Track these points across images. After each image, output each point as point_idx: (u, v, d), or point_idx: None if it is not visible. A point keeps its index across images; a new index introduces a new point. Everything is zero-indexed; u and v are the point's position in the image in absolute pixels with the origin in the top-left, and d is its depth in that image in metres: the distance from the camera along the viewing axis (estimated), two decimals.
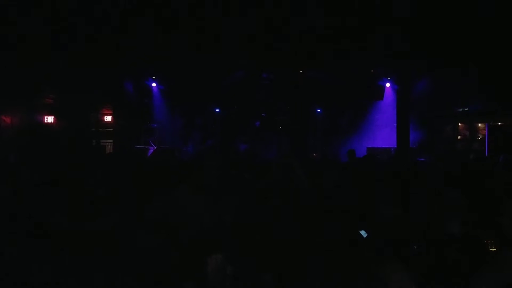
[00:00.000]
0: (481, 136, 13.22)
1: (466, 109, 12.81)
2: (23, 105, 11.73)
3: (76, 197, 3.37)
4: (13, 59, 9.56)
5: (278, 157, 8.60)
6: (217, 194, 3.18)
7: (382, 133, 13.72)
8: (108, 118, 13.85)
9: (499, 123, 12.57)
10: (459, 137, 13.76)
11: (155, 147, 12.43)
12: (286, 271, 2.41)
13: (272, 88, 14.56)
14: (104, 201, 3.32)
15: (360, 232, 2.91)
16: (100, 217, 3.12)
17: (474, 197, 3.45)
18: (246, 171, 5.03)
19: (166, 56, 11.14)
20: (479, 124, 13.44)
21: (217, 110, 14.83)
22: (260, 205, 3.24)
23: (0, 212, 3.11)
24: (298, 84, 13.98)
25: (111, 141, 13.69)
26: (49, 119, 12.68)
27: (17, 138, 11.00)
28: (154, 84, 13.61)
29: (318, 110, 14.89)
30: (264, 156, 10.82)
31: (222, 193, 3.21)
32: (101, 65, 10.77)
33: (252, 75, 14.08)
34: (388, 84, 13.65)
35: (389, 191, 3.94)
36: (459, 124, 13.77)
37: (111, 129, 13.60)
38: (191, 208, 2.92)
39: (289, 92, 14.38)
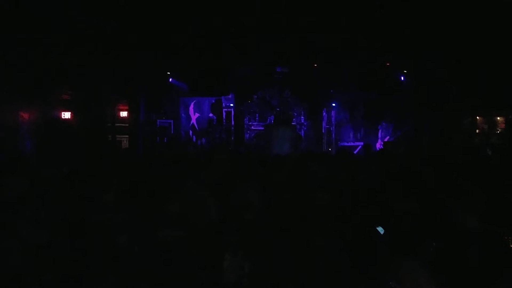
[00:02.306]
0: (499, 130, 13.00)
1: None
2: (41, 101, 11.88)
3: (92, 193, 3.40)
4: (30, 55, 9.68)
5: (293, 152, 8.58)
6: (230, 188, 3.17)
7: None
8: (123, 114, 13.99)
9: None
10: (477, 130, 13.54)
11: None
12: (298, 271, 2.39)
13: (286, 82, 14.54)
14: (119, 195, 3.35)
15: (377, 228, 2.88)
16: (116, 212, 3.14)
17: (493, 192, 3.38)
18: (259, 165, 5.03)
19: (180, 51, 11.18)
20: (498, 118, 13.21)
21: (231, 104, 14.83)
22: (273, 201, 3.22)
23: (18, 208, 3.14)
24: (312, 78, 13.95)
25: (127, 136, 13.83)
26: (66, 114, 12.84)
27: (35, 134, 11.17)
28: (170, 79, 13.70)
29: (333, 104, 14.79)
30: (277, 151, 10.80)
31: (235, 187, 3.20)
32: (117, 62, 10.87)
33: (266, 69, 14.08)
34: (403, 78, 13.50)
35: (406, 186, 3.89)
36: (478, 117, 13.55)
37: (127, 125, 13.74)
38: (205, 202, 2.91)
39: (302, 86, 14.35)
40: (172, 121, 14.05)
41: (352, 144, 13.85)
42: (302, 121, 14.70)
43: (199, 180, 3.64)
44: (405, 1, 8.20)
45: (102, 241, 2.64)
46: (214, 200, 2.97)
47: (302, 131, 14.31)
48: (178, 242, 2.60)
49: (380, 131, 13.80)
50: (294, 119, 14.38)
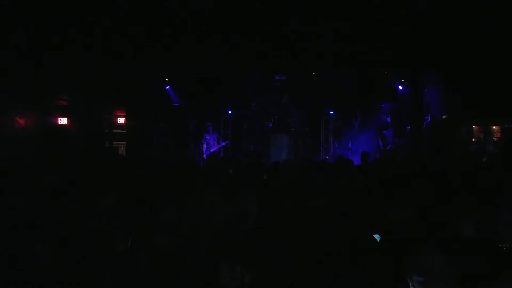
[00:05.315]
0: (495, 139, 13.04)
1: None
2: (37, 106, 11.84)
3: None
4: (27, 61, 9.67)
5: (292, 159, 8.58)
6: (234, 196, 3.18)
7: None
8: (121, 120, 13.97)
9: None
10: (473, 139, 13.57)
11: None
12: (299, 278, 2.40)
13: (284, 90, 14.55)
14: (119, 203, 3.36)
15: (374, 235, 2.90)
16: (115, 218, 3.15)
17: (489, 200, 3.42)
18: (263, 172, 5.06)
19: (177, 58, 11.21)
20: (494, 127, 13.25)
21: (230, 112, 14.83)
22: (276, 207, 3.24)
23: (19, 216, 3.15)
24: (310, 86, 13.98)
25: (124, 142, 13.79)
26: (63, 120, 12.79)
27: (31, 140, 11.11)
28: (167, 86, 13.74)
29: (331, 112, 14.81)
30: (275, 158, 10.79)
31: (239, 194, 3.21)
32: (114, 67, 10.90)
33: (264, 77, 14.11)
34: (400, 87, 13.57)
35: (403, 192, 3.92)
36: (473, 126, 13.59)
37: (124, 131, 13.72)
38: (208, 210, 2.93)
39: (301, 94, 14.37)
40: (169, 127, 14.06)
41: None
42: (300, 128, 14.70)
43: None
44: (404, 10, 8.28)
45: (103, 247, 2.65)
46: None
47: (300, 139, 14.30)
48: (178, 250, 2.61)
49: (375, 139, 13.79)
50: (292, 126, 14.38)
